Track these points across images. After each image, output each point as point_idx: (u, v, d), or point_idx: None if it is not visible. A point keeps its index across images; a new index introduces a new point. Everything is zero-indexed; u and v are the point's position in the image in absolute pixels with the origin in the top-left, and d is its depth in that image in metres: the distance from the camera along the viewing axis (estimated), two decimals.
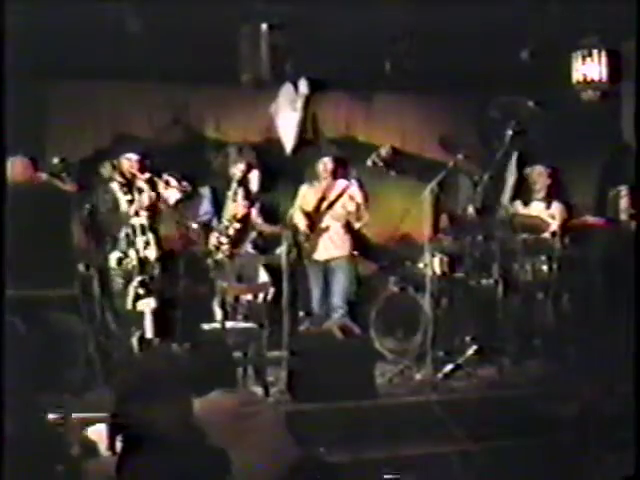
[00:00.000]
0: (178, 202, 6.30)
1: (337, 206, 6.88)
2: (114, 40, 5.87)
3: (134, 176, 6.34)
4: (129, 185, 6.35)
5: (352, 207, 6.84)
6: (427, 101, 8.05)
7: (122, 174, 6.43)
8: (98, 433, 3.66)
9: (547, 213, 6.68)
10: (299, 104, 7.63)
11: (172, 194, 6.26)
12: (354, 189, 6.85)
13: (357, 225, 6.92)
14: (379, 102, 7.97)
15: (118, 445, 3.32)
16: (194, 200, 7.04)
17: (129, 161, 6.45)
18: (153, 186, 6.31)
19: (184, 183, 6.27)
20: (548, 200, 6.72)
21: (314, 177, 7.17)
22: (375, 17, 5.81)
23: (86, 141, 7.26)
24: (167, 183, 6.23)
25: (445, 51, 6.46)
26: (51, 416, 3.85)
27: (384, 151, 6.68)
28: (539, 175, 6.80)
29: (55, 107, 7.19)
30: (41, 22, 5.45)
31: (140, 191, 6.29)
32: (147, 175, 6.29)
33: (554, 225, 6.53)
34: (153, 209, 6.34)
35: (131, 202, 6.27)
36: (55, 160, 5.91)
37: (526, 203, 6.85)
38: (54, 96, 7.16)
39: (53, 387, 4.87)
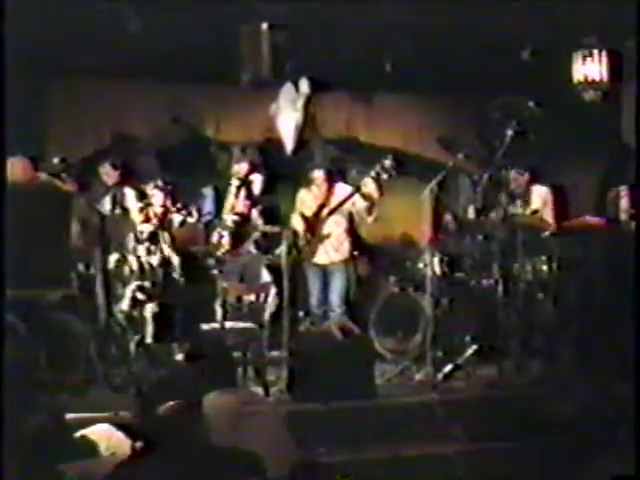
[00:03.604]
0: (181, 225, 6.42)
1: (336, 213, 6.90)
2: (114, 40, 5.87)
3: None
4: (143, 195, 6.42)
5: (362, 204, 6.84)
6: (427, 101, 8.05)
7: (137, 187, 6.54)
8: (98, 433, 3.66)
9: (530, 208, 6.73)
10: (300, 104, 7.64)
11: (176, 217, 6.37)
12: (371, 185, 6.81)
13: (369, 219, 6.92)
14: (379, 102, 7.98)
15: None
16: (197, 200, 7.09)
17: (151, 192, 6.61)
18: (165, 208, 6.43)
19: (191, 209, 6.40)
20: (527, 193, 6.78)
21: (311, 181, 7.19)
22: (375, 17, 5.81)
23: (86, 141, 7.26)
24: (178, 210, 6.36)
25: (445, 51, 6.46)
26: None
27: (388, 162, 6.69)
28: (516, 179, 6.86)
29: (55, 107, 7.19)
30: (41, 22, 5.45)
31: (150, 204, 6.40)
32: (160, 199, 6.40)
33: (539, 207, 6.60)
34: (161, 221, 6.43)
35: (142, 210, 6.34)
36: (55, 160, 5.92)
37: (511, 199, 6.85)
38: (54, 96, 7.16)
39: (53, 387, 4.87)
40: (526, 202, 6.78)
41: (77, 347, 5.41)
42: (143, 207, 6.36)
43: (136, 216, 6.41)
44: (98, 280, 6.07)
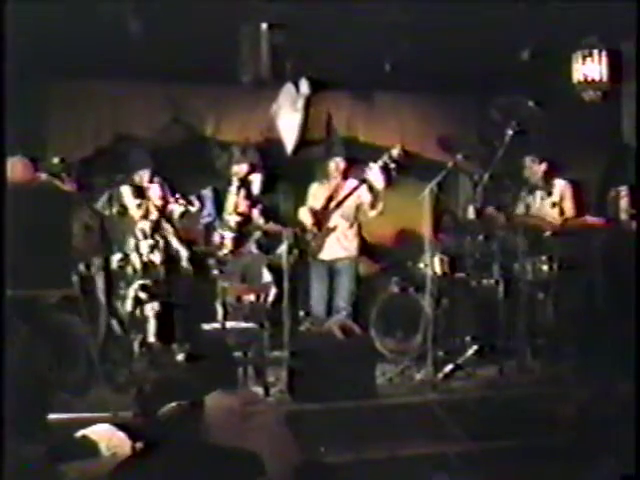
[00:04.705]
0: (183, 214, 6.41)
1: (344, 207, 6.90)
2: (114, 40, 5.87)
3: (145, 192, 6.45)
4: (140, 191, 6.41)
5: (367, 198, 6.84)
6: (427, 101, 8.04)
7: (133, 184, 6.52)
8: (98, 433, 3.66)
9: (550, 200, 6.73)
10: (300, 104, 7.63)
11: (176, 208, 6.36)
12: (376, 175, 6.81)
13: (372, 213, 6.92)
14: (379, 102, 7.97)
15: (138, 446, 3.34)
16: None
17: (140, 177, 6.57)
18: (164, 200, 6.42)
19: (191, 198, 6.39)
20: (548, 185, 6.78)
21: (324, 176, 7.19)
22: (375, 17, 5.80)
23: (86, 141, 7.26)
24: (177, 200, 6.35)
25: (445, 51, 6.46)
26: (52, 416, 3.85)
27: (395, 152, 6.69)
28: (530, 167, 6.86)
29: (55, 107, 7.18)
30: (41, 22, 5.45)
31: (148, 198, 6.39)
32: (158, 191, 6.38)
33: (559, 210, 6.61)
34: (161, 213, 6.42)
35: (139, 206, 6.33)
36: (55, 160, 5.91)
37: (530, 191, 6.88)
38: (54, 96, 7.16)
39: (53, 387, 4.87)
40: (549, 194, 6.77)
41: (77, 347, 5.42)
42: (141, 203, 6.35)
43: (135, 213, 6.40)
44: (100, 281, 6.07)
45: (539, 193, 6.82)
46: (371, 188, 6.80)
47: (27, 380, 3.89)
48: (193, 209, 6.49)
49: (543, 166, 6.83)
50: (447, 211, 7.38)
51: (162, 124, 7.47)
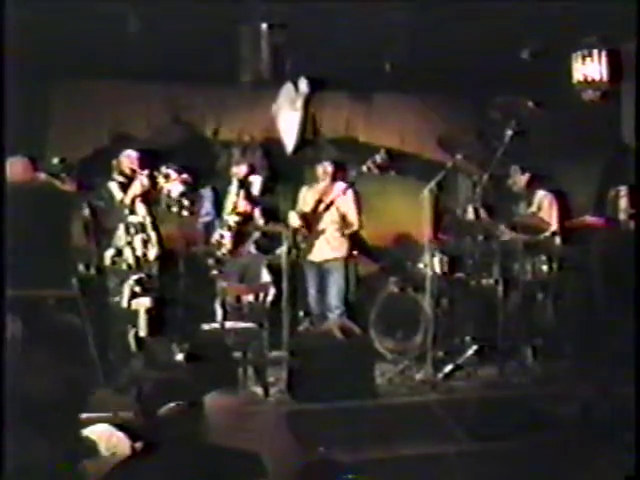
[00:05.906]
0: (181, 195, 6.32)
1: (332, 210, 6.90)
2: (114, 40, 5.87)
3: (134, 172, 6.35)
4: (128, 184, 6.36)
5: (339, 215, 6.87)
6: (427, 101, 8.05)
7: (122, 173, 6.45)
8: (98, 433, 3.66)
9: (530, 210, 6.76)
10: (299, 103, 7.64)
11: (175, 187, 6.26)
12: (347, 197, 6.87)
13: (346, 232, 6.94)
14: (379, 102, 7.98)
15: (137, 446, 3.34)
16: (196, 201, 7.04)
17: (128, 158, 6.47)
18: (153, 181, 6.32)
19: (184, 175, 6.28)
20: (530, 195, 6.80)
21: (314, 179, 7.19)
22: (375, 17, 5.80)
23: (86, 141, 7.27)
24: (166, 177, 6.24)
25: (445, 51, 6.46)
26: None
27: (379, 157, 6.69)
28: (513, 176, 6.92)
29: (55, 107, 7.20)
30: (41, 22, 5.45)
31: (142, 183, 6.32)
32: (147, 171, 6.31)
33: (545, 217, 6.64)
34: (150, 205, 6.36)
35: (131, 201, 6.30)
36: (55, 160, 5.91)
37: (515, 201, 6.93)
38: (54, 96, 7.16)
39: (53, 387, 4.86)
40: (529, 204, 6.81)
41: (77, 347, 5.41)
42: (132, 197, 6.31)
43: (124, 206, 6.34)
44: (98, 278, 6.07)
45: (522, 203, 6.86)
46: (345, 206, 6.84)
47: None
48: (182, 188, 6.33)
49: (526, 176, 6.88)
50: (447, 211, 7.38)
51: (162, 124, 7.47)
